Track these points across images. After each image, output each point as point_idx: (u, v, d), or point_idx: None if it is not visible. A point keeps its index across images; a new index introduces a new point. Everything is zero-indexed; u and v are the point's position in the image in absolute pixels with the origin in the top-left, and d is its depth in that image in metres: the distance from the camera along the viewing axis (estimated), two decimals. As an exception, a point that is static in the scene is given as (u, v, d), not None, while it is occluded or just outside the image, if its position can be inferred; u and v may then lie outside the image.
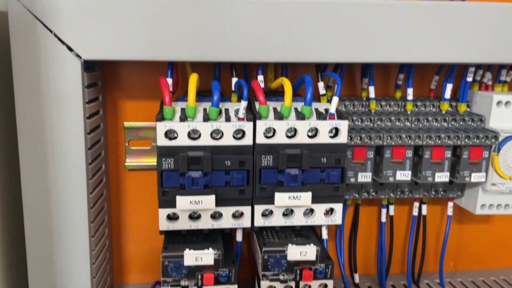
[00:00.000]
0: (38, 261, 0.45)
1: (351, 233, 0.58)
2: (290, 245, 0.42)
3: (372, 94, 0.51)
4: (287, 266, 0.42)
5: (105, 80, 0.51)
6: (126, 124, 0.52)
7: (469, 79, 0.50)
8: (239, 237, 0.46)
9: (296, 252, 0.41)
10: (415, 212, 0.56)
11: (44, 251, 0.45)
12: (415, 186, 0.53)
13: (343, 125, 0.42)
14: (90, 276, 0.47)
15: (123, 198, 0.55)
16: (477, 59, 0.45)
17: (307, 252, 0.41)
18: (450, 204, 0.56)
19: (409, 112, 0.51)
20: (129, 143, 0.53)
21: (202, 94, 0.48)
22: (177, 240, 0.43)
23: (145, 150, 0.53)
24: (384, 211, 0.56)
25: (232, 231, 0.47)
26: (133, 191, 0.54)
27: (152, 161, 0.53)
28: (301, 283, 0.42)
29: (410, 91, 0.50)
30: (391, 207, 0.56)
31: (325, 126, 0.42)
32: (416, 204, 0.56)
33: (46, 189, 0.44)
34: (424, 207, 0.56)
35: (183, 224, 0.43)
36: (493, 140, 0.48)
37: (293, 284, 0.42)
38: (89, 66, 0.45)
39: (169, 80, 0.45)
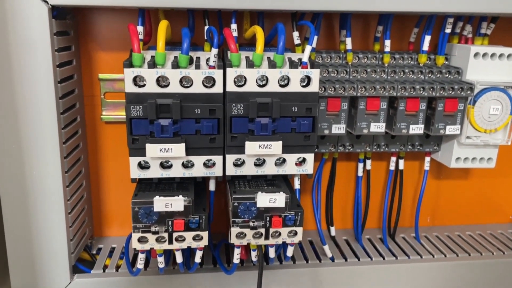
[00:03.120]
0: (13, 210, 0.46)
1: (328, 188, 0.58)
2: (259, 192, 0.42)
3: (349, 46, 0.50)
4: (257, 213, 0.42)
5: (77, 30, 0.50)
6: (101, 76, 0.51)
7: (448, 30, 0.50)
8: (212, 186, 0.46)
9: (266, 200, 0.42)
10: (392, 167, 0.56)
11: (18, 199, 0.45)
12: (391, 140, 0.53)
13: (315, 74, 0.42)
14: (65, 225, 0.47)
15: (101, 152, 0.55)
16: (455, 8, 0.44)
17: (276, 199, 0.42)
18: (427, 159, 0.56)
19: (386, 65, 0.51)
20: (104, 96, 0.52)
21: (176, 45, 0.47)
22: (149, 188, 0.44)
23: (121, 102, 0.53)
24: (361, 165, 0.56)
25: (206, 181, 0.47)
26: (111, 145, 0.54)
27: (128, 114, 0.53)
28: (271, 230, 0.43)
29: (387, 42, 0.50)
30: (368, 162, 0.56)
31: (296, 75, 0.42)
32: (393, 158, 0.56)
33: (17, 138, 0.44)
34: (401, 162, 0.56)
35: (155, 172, 0.43)
36: (468, 92, 0.48)
37: (263, 230, 0.43)
38: (59, 14, 0.44)
39: (140, 28, 0.44)
